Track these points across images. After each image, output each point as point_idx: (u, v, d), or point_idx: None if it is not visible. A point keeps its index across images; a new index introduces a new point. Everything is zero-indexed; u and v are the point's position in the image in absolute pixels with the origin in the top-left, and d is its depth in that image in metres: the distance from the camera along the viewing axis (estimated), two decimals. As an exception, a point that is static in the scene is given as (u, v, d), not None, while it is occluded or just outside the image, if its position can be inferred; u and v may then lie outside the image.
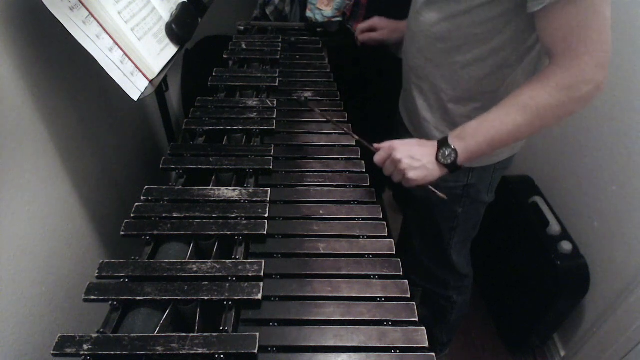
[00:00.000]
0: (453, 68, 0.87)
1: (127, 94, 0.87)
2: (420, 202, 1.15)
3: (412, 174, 0.81)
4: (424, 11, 0.87)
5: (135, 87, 0.89)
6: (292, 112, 1.09)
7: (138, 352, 0.59)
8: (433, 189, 0.86)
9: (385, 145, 0.85)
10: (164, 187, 0.84)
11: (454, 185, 1.03)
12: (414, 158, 0.81)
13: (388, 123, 1.25)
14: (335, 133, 1.03)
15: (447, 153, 0.80)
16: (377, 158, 0.86)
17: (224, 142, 0.99)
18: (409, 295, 0.70)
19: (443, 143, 0.81)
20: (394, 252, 0.77)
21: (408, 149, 0.83)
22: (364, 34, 1.22)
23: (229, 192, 0.84)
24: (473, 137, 0.79)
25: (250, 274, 0.69)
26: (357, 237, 0.80)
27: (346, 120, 1.07)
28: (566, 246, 1.34)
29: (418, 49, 0.91)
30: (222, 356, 0.60)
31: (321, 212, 0.84)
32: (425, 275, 1.29)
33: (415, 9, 0.92)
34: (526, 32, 0.80)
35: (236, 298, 0.66)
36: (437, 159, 0.81)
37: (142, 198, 0.83)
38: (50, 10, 0.74)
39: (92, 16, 0.82)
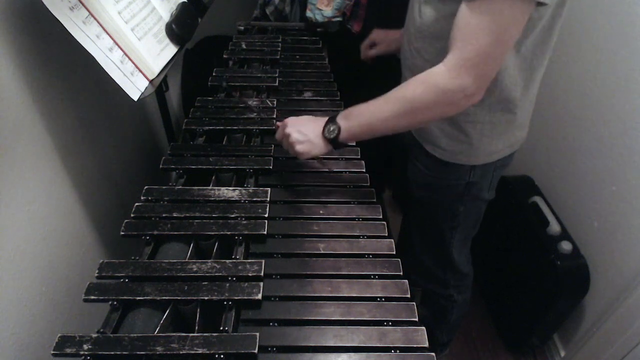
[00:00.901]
0: None
1: (127, 94, 0.87)
2: (421, 202, 1.16)
3: (298, 147, 0.85)
4: (421, 11, 0.87)
5: (135, 87, 0.89)
6: (292, 112, 1.09)
7: (138, 352, 0.60)
8: (321, 160, 0.92)
9: (284, 120, 0.90)
10: (164, 187, 0.84)
11: (456, 183, 1.03)
12: (302, 132, 0.85)
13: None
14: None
15: (331, 129, 0.84)
16: (277, 135, 0.91)
17: (224, 142, 0.99)
18: (409, 295, 0.71)
19: (331, 119, 0.85)
20: (394, 252, 0.77)
21: (299, 125, 0.87)
22: (366, 51, 1.25)
23: (229, 192, 0.84)
24: (356, 118, 0.82)
25: (250, 274, 0.69)
26: (357, 237, 0.80)
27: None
28: (566, 246, 1.34)
29: (416, 49, 0.92)
30: (222, 356, 0.60)
31: (321, 212, 0.84)
32: (426, 274, 1.29)
33: (412, 9, 0.92)
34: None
35: (236, 298, 0.66)
36: (322, 133, 0.85)
37: (142, 198, 0.83)
38: (50, 10, 0.74)
39: (92, 16, 0.82)
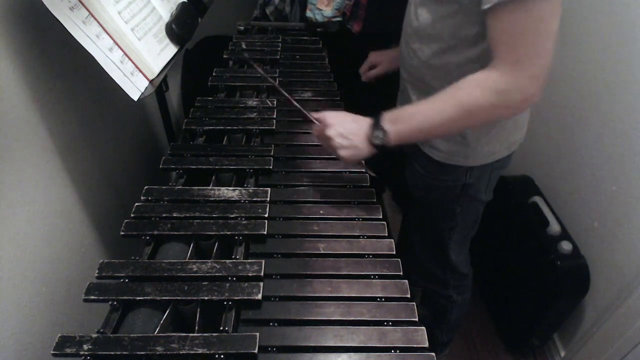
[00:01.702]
0: (447, 68, 0.87)
1: (127, 94, 0.87)
2: (419, 203, 1.16)
3: (342, 152, 0.82)
4: (418, 13, 0.88)
5: (135, 87, 0.89)
6: (292, 112, 1.09)
7: (138, 352, 0.59)
8: (364, 167, 0.90)
9: (322, 117, 0.86)
10: (164, 187, 0.84)
11: (453, 185, 1.03)
12: (345, 137, 0.82)
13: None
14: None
15: (379, 135, 0.81)
16: (315, 132, 0.88)
17: (224, 142, 0.99)
18: (409, 295, 0.70)
19: (376, 124, 0.82)
20: (394, 252, 0.77)
21: (341, 126, 0.83)
22: (366, 74, 1.24)
23: (229, 192, 0.84)
24: (406, 122, 0.80)
25: (250, 274, 0.69)
26: (357, 237, 0.80)
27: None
28: (566, 246, 1.34)
29: (414, 51, 0.92)
30: (222, 356, 0.60)
31: (321, 212, 0.84)
32: (425, 274, 1.29)
33: (409, 10, 0.92)
34: None
35: (236, 298, 0.66)
36: (368, 138, 0.82)
37: (142, 198, 0.83)
38: (50, 10, 0.74)
39: (92, 16, 0.82)
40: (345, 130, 0.83)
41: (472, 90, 0.76)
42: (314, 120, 0.88)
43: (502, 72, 0.73)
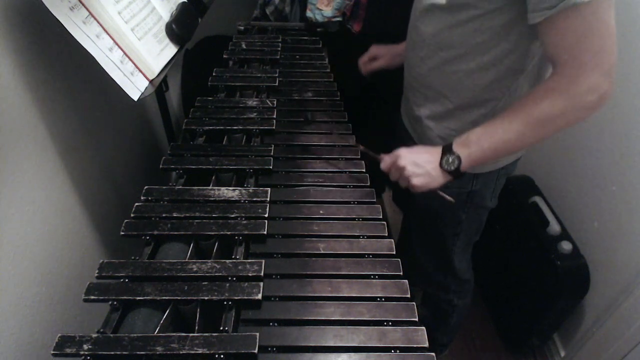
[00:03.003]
0: (457, 76, 0.87)
1: (127, 94, 0.87)
2: (423, 210, 1.15)
3: (416, 181, 0.83)
4: (424, 21, 0.86)
5: (135, 87, 0.89)
6: (292, 112, 1.09)
7: (138, 352, 0.59)
8: (441, 193, 0.87)
9: (394, 152, 0.87)
10: (164, 187, 0.84)
11: (458, 192, 1.02)
12: (418, 165, 0.83)
13: (390, 128, 1.24)
14: (335, 133, 1.03)
15: (450, 160, 0.81)
16: (383, 165, 0.88)
17: (224, 142, 0.99)
18: (409, 295, 0.70)
19: (447, 149, 0.81)
20: (394, 252, 0.77)
21: (413, 156, 0.84)
22: (366, 65, 1.22)
23: (229, 192, 0.84)
24: (477, 144, 0.79)
25: (250, 274, 0.69)
26: (357, 237, 0.80)
27: (346, 120, 1.07)
28: (566, 246, 1.34)
29: (421, 58, 0.91)
30: (222, 356, 0.60)
31: (321, 212, 0.84)
32: (426, 279, 1.29)
33: (415, 17, 0.91)
34: (529, 39, 0.79)
35: (236, 298, 0.66)
36: (440, 165, 0.82)
37: (142, 198, 0.83)
38: (50, 10, 0.74)
39: (92, 16, 0.82)
40: (418, 158, 0.83)
41: (540, 101, 0.74)
42: (379, 159, 0.89)
43: (570, 77, 0.71)
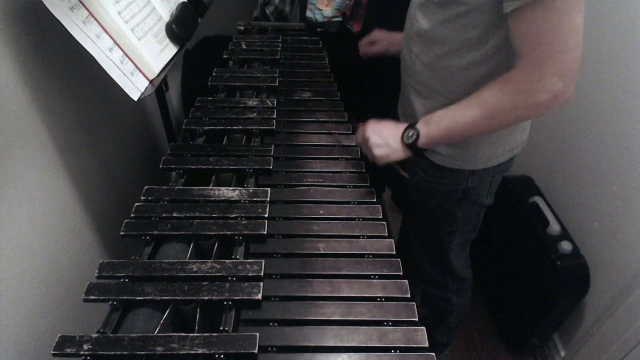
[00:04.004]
0: (450, 72, 0.87)
1: (127, 94, 0.87)
2: (420, 206, 1.15)
3: (377, 151, 0.88)
4: (418, 16, 0.87)
5: (135, 87, 0.89)
6: (292, 112, 1.09)
7: (138, 352, 0.59)
8: (397, 167, 0.94)
9: (365, 124, 0.92)
10: (164, 187, 0.84)
11: (454, 189, 1.02)
12: (381, 136, 0.88)
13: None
14: (335, 133, 1.03)
15: (410, 134, 0.85)
16: (357, 137, 0.94)
17: (224, 142, 0.99)
18: (409, 295, 0.71)
19: (411, 125, 0.86)
20: (394, 252, 0.77)
21: (379, 129, 0.89)
22: (365, 48, 1.25)
23: (229, 192, 0.84)
24: (436, 123, 0.84)
25: (250, 274, 0.69)
26: (357, 237, 0.80)
27: (346, 120, 1.07)
28: (566, 246, 1.34)
29: (415, 54, 0.91)
30: (222, 356, 0.60)
31: (321, 212, 0.84)
32: (424, 278, 1.29)
33: (410, 14, 0.92)
34: None
35: (236, 298, 0.66)
36: (402, 139, 0.87)
37: (142, 198, 0.83)
38: (50, 10, 0.74)
39: (92, 16, 0.82)
40: (383, 131, 0.89)
41: (495, 92, 0.76)
42: (358, 125, 0.95)
43: (525, 71, 0.72)
